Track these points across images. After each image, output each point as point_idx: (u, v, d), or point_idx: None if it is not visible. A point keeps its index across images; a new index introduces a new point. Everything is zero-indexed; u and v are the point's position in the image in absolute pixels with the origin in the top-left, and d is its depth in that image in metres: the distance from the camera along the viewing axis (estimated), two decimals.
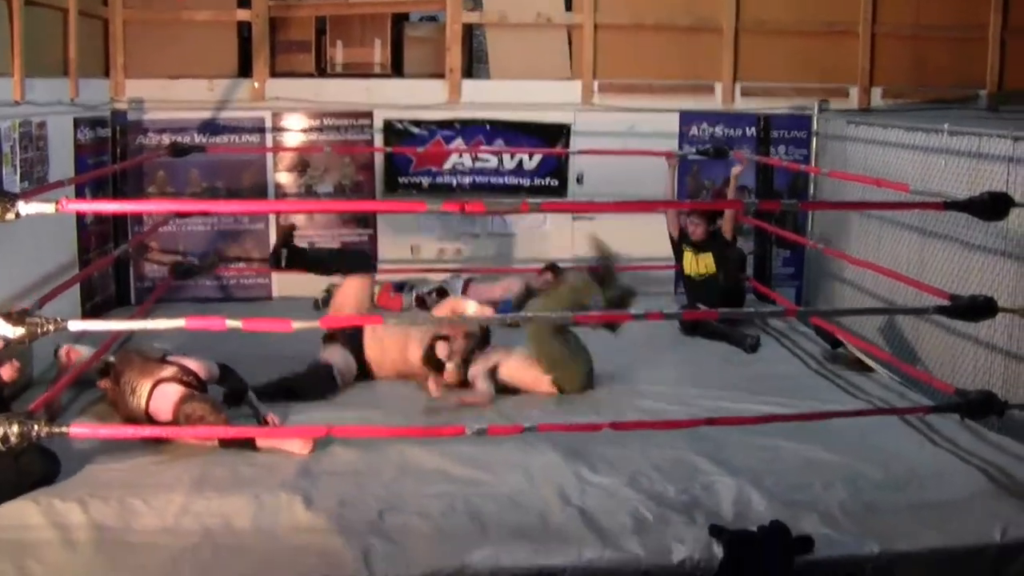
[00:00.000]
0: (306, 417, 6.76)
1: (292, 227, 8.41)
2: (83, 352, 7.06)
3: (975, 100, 11.00)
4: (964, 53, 10.99)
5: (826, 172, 9.89)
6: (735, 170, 9.65)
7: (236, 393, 6.72)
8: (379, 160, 10.63)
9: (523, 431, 5.72)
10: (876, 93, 10.96)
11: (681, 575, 4.90)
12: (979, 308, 5.76)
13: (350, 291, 8.02)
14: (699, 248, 9.38)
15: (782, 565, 4.87)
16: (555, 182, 10.77)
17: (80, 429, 5.56)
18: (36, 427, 5.13)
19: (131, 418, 6.34)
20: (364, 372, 7.74)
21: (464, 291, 9.67)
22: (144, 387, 6.29)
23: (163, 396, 6.24)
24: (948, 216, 7.60)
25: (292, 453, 6.09)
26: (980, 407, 5.91)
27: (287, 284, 10.41)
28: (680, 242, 9.56)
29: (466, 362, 7.49)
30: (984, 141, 7.57)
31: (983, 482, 5.77)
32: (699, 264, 9.41)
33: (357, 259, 8.53)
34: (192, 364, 6.49)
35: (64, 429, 5.28)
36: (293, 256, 8.15)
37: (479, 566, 4.88)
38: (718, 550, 4.93)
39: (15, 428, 5.07)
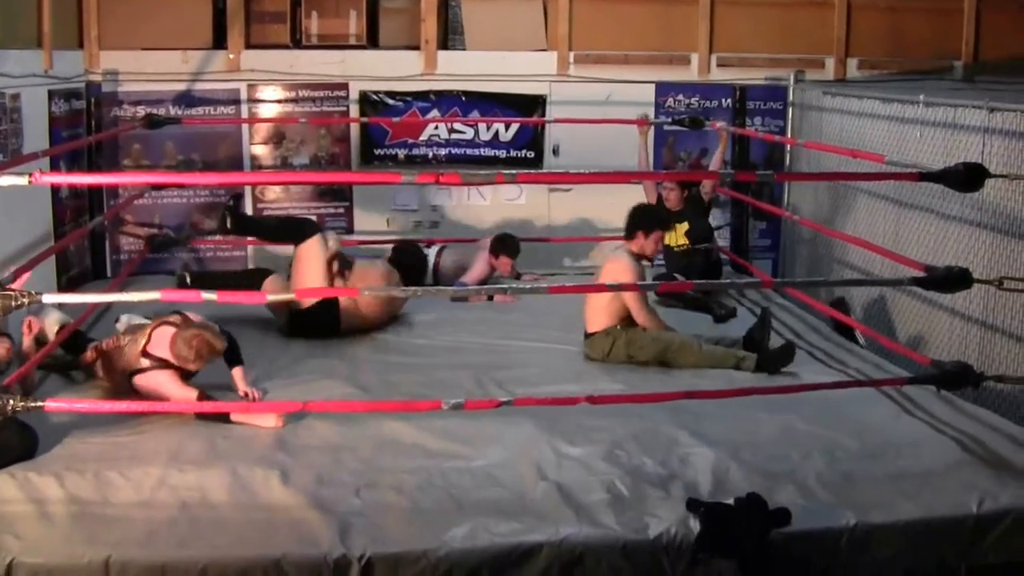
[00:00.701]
0: (282, 393, 6.75)
1: (235, 197, 8.50)
2: (46, 322, 6.97)
3: (950, 71, 11.02)
4: (940, 24, 11.00)
5: (802, 143, 9.90)
6: (722, 135, 9.65)
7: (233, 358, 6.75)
8: (355, 132, 10.60)
9: (499, 405, 5.73)
10: (852, 64, 10.97)
11: (658, 550, 4.91)
12: (954, 279, 5.77)
13: (308, 264, 7.93)
14: (676, 217, 9.35)
15: (758, 538, 4.90)
16: (531, 154, 10.77)
17: (56, 403, 5.54)
18: (11, 402, 5.11)
19: (125, 371, 6.37)
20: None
21: (437, 258, 9.67)
22: (146, 330, 6.38)
23: (162, 334, 6.29)
24: (923, 187, 7.62)
25: (264, 427, 6.09)
26: (956, 378, 5.93)
27: (263, 256, 10.38)
28: None
29: None
30: (959, 112, 7.58)
31: (959, 453, 5.79)
32: (677, 234, 9.40)
33: (304, 226, 8.31)
34: (198, 320, 6.54)
35: (40, 403, 5.27)
36: (238, 221, 8.24)
37: (456, 543, 4.88)
38: (695, 524, 4.95)
39: None
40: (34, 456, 5.57)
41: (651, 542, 4.92)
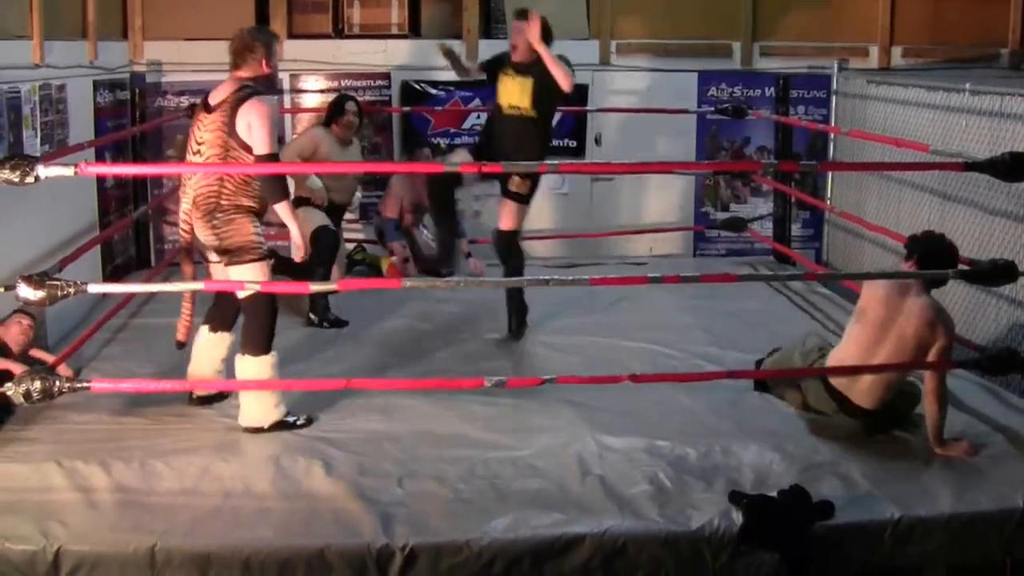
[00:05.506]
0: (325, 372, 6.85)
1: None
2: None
3: (997, 59, 10.93)
4: (985, 11, 10.90)
5: (845, 132, 9.83)
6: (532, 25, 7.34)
7: None
8: (397, 121, 10.62)
9: (542, 383, 5.71)
10: (896, 52, 10.89)
11: (700, 542, 4.90)
12: (999, 272, 5.68)
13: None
14: (520, 70, 7.53)
15: (801, 531, 4.88)
16: (574, 143, 10.75)
17: (101, 384, 5.59)
18: (58, 383, 5.16)
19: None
20: None
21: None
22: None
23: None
24: (969, 177, 7.56)
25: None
26: (1002, 364, 5.84)
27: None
28: (494, 65, 7.78)
29: None
30: (1006, 100, 7.52)
31: (1004, 446, 5.75)
32: (515, 91, 7.56)
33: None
34: None
35: (86, 384, 5.31)
36: None
37: (498, 534, 4.88)
38: (737, 517, 4.94)
39: (37, 384, 5.11)
40: None
41: (693, 534, 4.90)
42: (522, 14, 7.47)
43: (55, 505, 5.10)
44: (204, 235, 5.98)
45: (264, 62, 6.09)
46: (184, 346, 6.29)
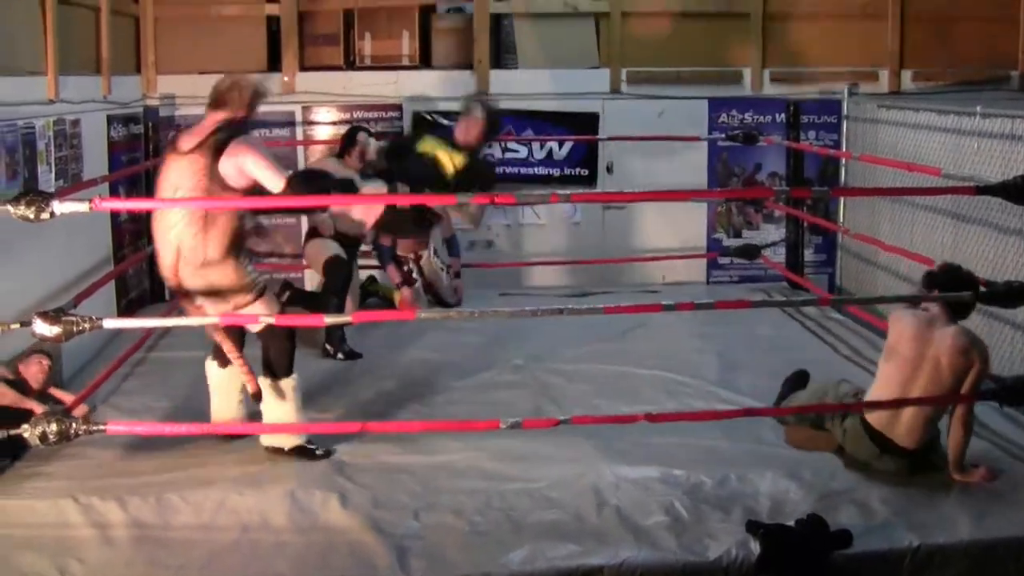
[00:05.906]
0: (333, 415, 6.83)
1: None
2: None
3: (1007, 81, 10.89)
4: (995, 34, 10.88)
5: (857, 157, 9.82)
6: None
7: None
8: None
9: (558, 424, 5.72)
10: (906, 76, 10.87)
11: (718, 572, 4.89)
12: (1015, 294, 5.69)
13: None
14: (457, 147, 8.07)
15: (819, 561, 4.86)
16: (585, 171, 10.75)
17: (117, 426, 5.61)
18: (74, 425, 5.17)
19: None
20: None
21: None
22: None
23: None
24: (982, 200, 7.54)
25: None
26: (1018, 394, 5.84)
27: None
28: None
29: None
30: (1018, 123, 7.50)
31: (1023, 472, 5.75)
32: (453, 159, 8.05)
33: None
34: None
35: (102, 426, 5.33)
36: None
37: (514, 566, 4.88)
38: (755, 546, 4.92)
39: (53, 427, 5.12)
40: None
41: (710, 564, 4.89)
42: (468, 110, 8.22)
43: (72, 541, 5.12)
44: (196, 285, 5.82)
45: (246, 105, 5.94)
46: (260, 398, 6.13)
